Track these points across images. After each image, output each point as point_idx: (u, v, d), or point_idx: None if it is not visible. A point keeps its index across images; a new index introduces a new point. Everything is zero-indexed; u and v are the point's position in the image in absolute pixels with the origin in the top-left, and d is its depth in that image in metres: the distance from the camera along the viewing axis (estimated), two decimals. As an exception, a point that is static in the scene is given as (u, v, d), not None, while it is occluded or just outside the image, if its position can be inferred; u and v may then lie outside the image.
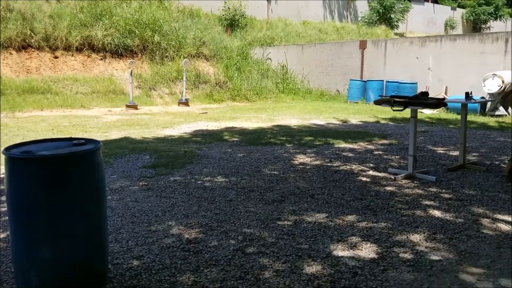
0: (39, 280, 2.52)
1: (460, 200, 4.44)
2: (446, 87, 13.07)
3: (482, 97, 7.90)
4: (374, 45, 15.47)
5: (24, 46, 14.11)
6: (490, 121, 10.63)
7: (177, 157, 6.35)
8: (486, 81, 11.12)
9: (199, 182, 5.10)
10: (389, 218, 3.93)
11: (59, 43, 14.53)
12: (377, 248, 3.29)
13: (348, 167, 5.88)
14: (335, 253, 3.21)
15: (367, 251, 3.24)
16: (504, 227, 3.72)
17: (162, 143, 7.54)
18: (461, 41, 13.19)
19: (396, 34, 26.79)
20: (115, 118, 11.01)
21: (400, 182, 5.13)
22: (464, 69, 12.72)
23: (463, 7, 34.22)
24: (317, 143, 7.58)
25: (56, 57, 14.51)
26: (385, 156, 6.60)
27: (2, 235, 3.51)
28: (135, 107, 13.19)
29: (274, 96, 16.91)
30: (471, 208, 4.19)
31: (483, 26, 32.80)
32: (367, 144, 7.54)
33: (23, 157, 2.49)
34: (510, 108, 11.59)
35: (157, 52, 16.12)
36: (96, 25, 15.30)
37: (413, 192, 4.75)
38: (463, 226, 3.74)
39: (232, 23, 20.44)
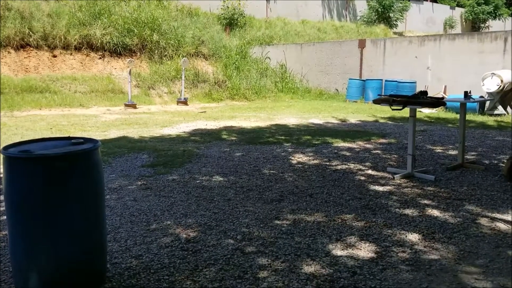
0: (37, 280, 2.52)
1: (459, 199, 4.45)
2: (445, 86, 13.07)
3: (481, 96, 7.92)
4: (373, 44, 15.47)
5: (22, 45, 14.08)
6: (489, 120, 10.64)
7: (176, 156, 6.35)
8: (485, 80, 11.12)
9: (197, 181, 5.09)
10: (388, 217, 3.93)
11: (57, 42, 14.50)
12: (376, 247, 3.29)
13: (347, 166, 5.88)
14: (334, 252, 3.21)
15: (366, 250, 3.24)
16: (503, 226, 3.72)
17: (161, 142, 7.53)
18: (460, 40, 13.20)
19: (395, 33, 26.80)
20: (113, 117, 11.00)
21: (399, 181, 5.13)
22: (463, 68, 12.73)
23: (462, 6, 34.25)
24: (316, 142, 7.58)
25: (54, 56, 14.48)
26: (384, 155, 6.60)
27: (1, 235, 3.50)
28: (134, 106, 13.18)
29: (273, 95, 16.91)
30: (470, 207, 4.19)
31: (482, 25, 32.84)
32: (366, 143, 7.54)
33: (22, 156, 2.48)
34: (509, 107, 11.60)
35: (156, 51, 16.10)
36: (94, 24, 15.28)
37: (412, 191, 4.75)
38: (461, 225, 3.74)
39: (231, 22, 20.42)
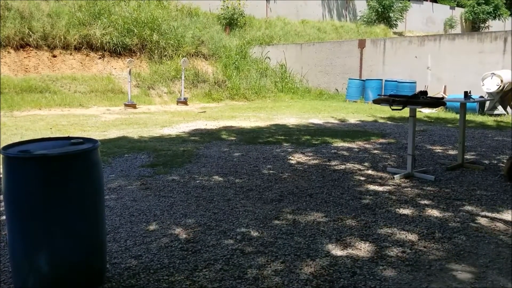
0: (37, 280, 2.51)
1: (458, 199, 4.44)
2: (445, 86, 13.07)
3: (481, 96, 7.91)
4: (373, 44, 15.47)
5: (22, 45, 14.07)
6: (489, 120, 10.64)
7: (176, 156, 6.34)
8: (485, 80, 11.12)
9: (197, 181, 5.09)
10: (387, 217, 3.93)
11: (57, 42, 14.50)
12: (375, 247, 3.29)
13: (346, 166, 5.87)
14: (333, 252, 3.21)
15: (366, 250, 3.24)
16: (502, 226, 3.72)
17: (161, 142, 7.53)
18: (460, 40, 13.20)
19: (395, 33, 26.80)
20: (113, 117, 11.00)
21: (398, 181, 5.13)
22: (463, 68, 12.73)
23: (462, 6, 34.25)
24: (316, 142, 7.58)
25: (54, 56, 14.48)
26: (384, 155, 6.60)
27: (0, 235, 3.49)
28: (133, 106, 13.18)
29: (273, 95, 16.91)
30: (470, 207, 4.19)
31: (482, 25, 32.83)
32: (366, 143, 7.54)
33: (21, 156, 2.48)
34: (508, 107, 11.60)
35: (156, 51, 16.10)
36: (94, 24, 15.28)
37: (412, 191, 4.75)
38: (461, 225, 3.74)
39: (231, 22, 20.42)
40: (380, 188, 4.84)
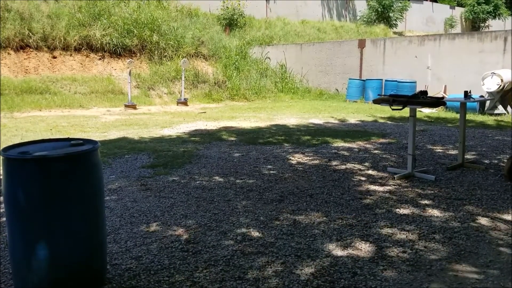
0: (37, 281, 2.51)
1: (459, 199, 4.44)
2: (445, 86, 13.07)
3: (481, 96, 7.90)
4: (373, 44, 15.47)
5: (22, 46, 14.08)
6: (489, 120, 10.64)
7: (176, 157, 6.34)
8: (485, 79, 11.12)
9: (197, 182, 5.09)
10: (388, 217, 3.93)
11: (57, 43, 14.50)
12: (376, 247, 3.29)
13: (347, 166, 5.87)
14: (334, 253, 3.20)
15: (366, 250, 3.24)
16: (503, 226, 3.72)
17: (161, 143, 7.53)
18: (460, 40, 13.20)
19: (395, 33, 26.80)
20: (113, 118, 11.00)
21: (399, 181, 5.13)
22: (463, 68, 12.72)
23: (462, 6, 34.25)
24: (316, 143, 7.57)
25: (54, 57, 14.49)
26: (384, 155, 6.60)
27: (0, 236, 3.49)
28: (133, 107, 13.18)
29: (273, 95, 16.91)
30: (470, 207, 4.19)
31: (482, 25, 32.83)
32: (366, 144, 7.53)
33: (21, 158, 2.48)
34: (509, 106, 11.60)
35: (156, 52, 16.11)
36: (94, 25, 15.29)
37: (412, 191, 4.74)
38: (462, 225, 3.74)
39: (231, 23, 20.42)
40: (381, 188, 4.84)
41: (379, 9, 26.42)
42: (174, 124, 9.87)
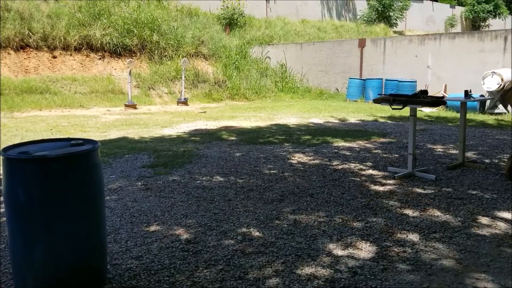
0: (37, 281, 2.51)
1: (459, 199, 4.44)
2: (445, 85, 13.06)
3: (481, 95, 7.90)
4: (373, 44, 15.46)
5: (22, 46, 14.08)
6: (489, 119, 10.63)
7: (176, 157, 6.34)
8: (485, 79, 11.11)
9: (198, 181, 5.09)
10: (388, 217, 3.93)
11: (57, 43, 14.50)
12: (376, 247, 3.28)
13: (347, 166, 5.87)
14: (334, 252, 3.20)
15: (367, 250, 3.24)
16: (503, 225, 3.71)
17: (161, 142, 7.53)
18: (460, 39, 13.19)
19: (395, 32, 26.78)
20: (114, 117, 11.00)
21: (399, 181, 5.12)
22: (463, 67, 12.72)
23: (462, 5, 34.24)
24: (316, 142, 7.57)
25: (54, 57, 14.49)
26: (384, 155, 6.59)
27: (1, 236, 3.49)
28: (134, 106, 13.18)
29: (273, 95, 16.91)
30: (471, 207, 4.18)
31: (482, 24, 32.82)
32: (366, 143, 7.53)
33: (21, 158, 2.47)
34: (509, 106, 11.59)
35: (156, 52, 16.10)
36: (94, 25, 15.28)
37: (413, 191, 4.74)
38: (462, 224, 3.73)
39: (231, 22, 20.42)
40: (381, 188, 4.84)
41: (379, 9, 26.41)
42: (174, 124, 9.87)
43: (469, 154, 6.58)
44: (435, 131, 8.76)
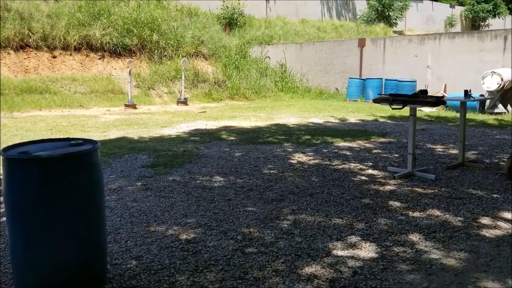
0: (37, 281, 2.51)
1: (459, 199, 4.44)
2: (445, 85, 13.06)
3: (481, 95, 7.90)
4: (373, 43, 15.46)
5: (22, 46, 14.08)
6: (489, 119, 10.63)
7: (176, 157, 6.34)
8: (485, 78, 11.11)
9: (198, 181, 5.09)
10: (388, 216, 3.93)
11: (57, 43, 14.50)
12: (376, 247, 3.29)
13: (347, 165, 5.87)
14: (334, 252, 3.20)
15: (367, 250, 3.24)
16: (503, 225, 3.72)
17: (161, 142, 7.53)
18: (460, 38, 13.19)
19: (395, 32, 26.79)
20: (113, 117, 11.00)
21: (399, 181, 5.13)
22: (463, 67, 12.72)
23: (462, 4, 34.24)
24: (316, 142, 7.57)
25: (54, 57, 14.48)
26: (384, 155, 6.60)
27: (1, 236, 3.49)
28: (133, 106, 13.18)
29: (273, 94, 16.91)
30: (471, 207, 4.19)
31: (482, 23, 32.83)
32: (366, 143, 7.53)
33: (21, 158, 2.47)
34: (509, 105, 11.59)
35: (156, 51, 16.10)
36: (94, 25, 15.28)
37: (413, 190, 4.74)
38: (462, 224, 3.74)
39: (231, 22, 20.42)
40: (381, 188, 4.84)
41: (379, 8, 26.41)
42: (174, 124, 9.87)
43: (469, 153, 6.58)
44: (435, 131, 8.76)
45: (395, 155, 6.59)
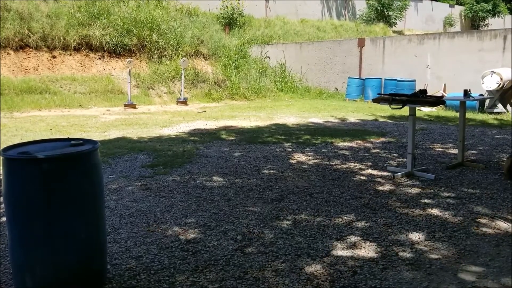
0: (37, 281, 2.51)
1: (459, 198, 4.44)
2: (445, 85, 13.07)
3: (481, 95, 7.91)
4: (372, 43, 15.46)
5: (21, 46, 14.07)
6: (489, 118, 10.64)
7: (176, 157, 6.34)
8: (484, 78, 11.12)
9: (197, 181, 5.09)
10: (388, 216, 3.93)
11: (57, 43, 14.49)
12: (376, 247, 3.29)
13: (346, 165, 5.87)
14: (334, 252, 3.21)
15: (366, 250, 3.24)
16: (503, 224, 3.72)
17: (161, 142, 7.53)
18: (460, 38, 13.19)
19: (394, 31, 26.80)
20: (113, 117, 11.00)
21: (399, 180, 5.13)
22: (462, 67, 12.72)
23: (461, 4, 34.25)
24: (316, 142, 7.57)
25: (54, 57, 14.48)
26: (384, 154, 6.60)
27: (1, 236, 3.50)
28: (133, 106, 13.18)
29: (273, 94, 16.91)
30: (470, 206, 4.19)
31: (481, 23, 32.84)
32: (366, 143, 7.54)
33: (21, 158, 2.48)
34: (508, 105, 11.60)
35: (155, 51, 16.10)
36: (94, 25, 15.27)
37: (412, 190, 4.75)
38: (462, 224, 3.74)
39: (230, 22, 20.42)
40: (381, 187, 4.84)
41: (379, 8, 26.42)
42: (174, 124, 9.87)
43: (469, 153, 6.58)
44: (434, 131, 8.76)
45: (395, 154, 6.59)
